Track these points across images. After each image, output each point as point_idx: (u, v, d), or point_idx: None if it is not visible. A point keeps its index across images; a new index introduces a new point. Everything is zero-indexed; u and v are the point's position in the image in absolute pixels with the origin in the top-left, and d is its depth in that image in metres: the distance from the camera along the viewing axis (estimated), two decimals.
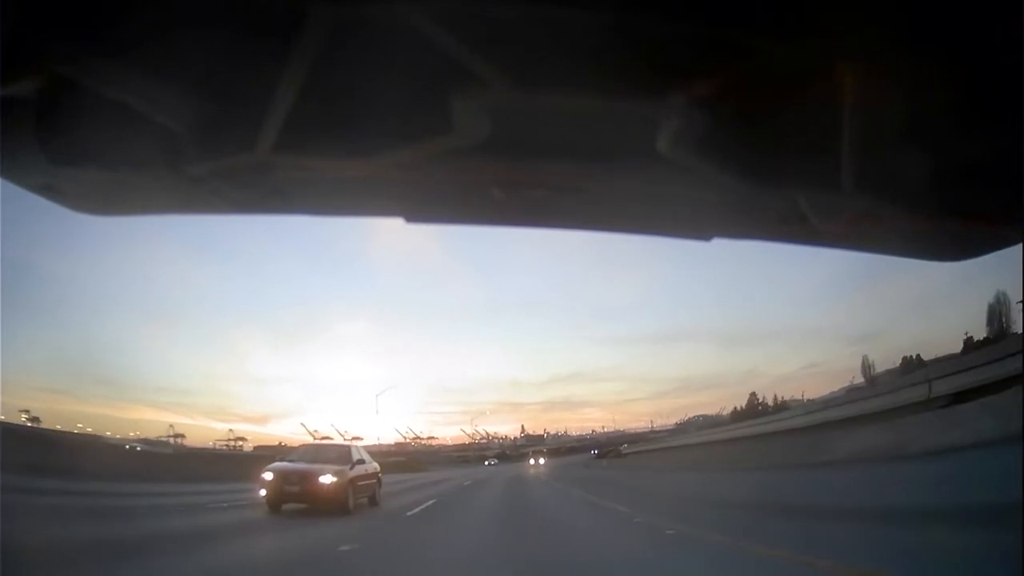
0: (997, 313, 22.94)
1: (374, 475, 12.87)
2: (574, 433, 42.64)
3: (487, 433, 42.04)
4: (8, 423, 20.85)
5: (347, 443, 14.56)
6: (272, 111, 1.31)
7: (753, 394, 34.43)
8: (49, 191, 1.56)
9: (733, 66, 1.24)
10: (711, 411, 36.23)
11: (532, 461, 39.22)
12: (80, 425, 29.47)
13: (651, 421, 40.04)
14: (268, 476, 10.79)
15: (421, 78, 1.27)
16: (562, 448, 41.08)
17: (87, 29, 1.19)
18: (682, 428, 36.24)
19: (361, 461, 12.26)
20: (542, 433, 42.60)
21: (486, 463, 39.13)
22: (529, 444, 41.69)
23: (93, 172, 1.47)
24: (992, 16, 1.11)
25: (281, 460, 12.23)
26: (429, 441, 41.25)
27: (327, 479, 10.68)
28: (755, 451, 20.67)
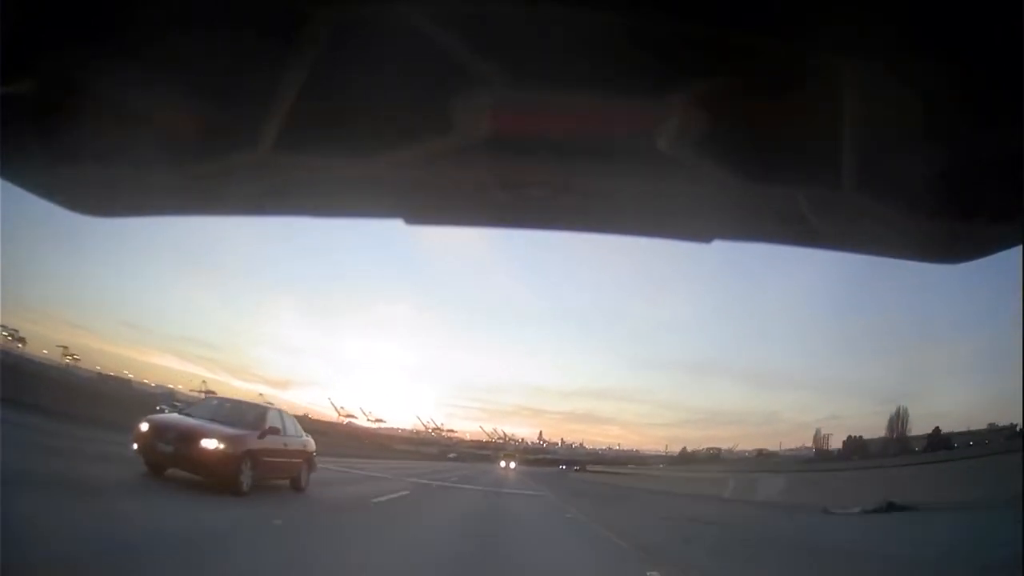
0: (896, 423, 27.31)
1: (301, 453, 10.30)
2: (588, 447, 43.01)
3: (504, 434, 42.26)
4: (35, 359, 20.43)
5: (265, 405, 10.96)
6: (273, 111, 1.31)
7: (684, 448, 38.55)
8: (49, 191, 1.56)
9: (733, 66, 1.24)
10: (725, 446, 37.12)
11: (503, 464, 39.56)
12: (126, 372, 28.37)
13: (666, 446, 40.50)
14: (143, 427, 8.44)
15: (421, 78, 1.27)
16: (571, 459, 41.79)
17: (87, 29, 1.19)
18: (687, 458, 37.79)
19: (278, 431, 9.68)
20: (557, 442, 42.93)
21: (449, 456, 39.68)
22: (542, 451, 42.18)
23: (93, 172, 1.47)
24: (992, 15, 1.11)
25: (177, 410, 10.00)
26: (449, 434, 41.35)
27: (210, 444, 8.23)
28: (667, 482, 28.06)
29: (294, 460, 10.09)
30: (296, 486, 10.23)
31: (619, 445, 42.51)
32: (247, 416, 9.74)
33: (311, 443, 10.89)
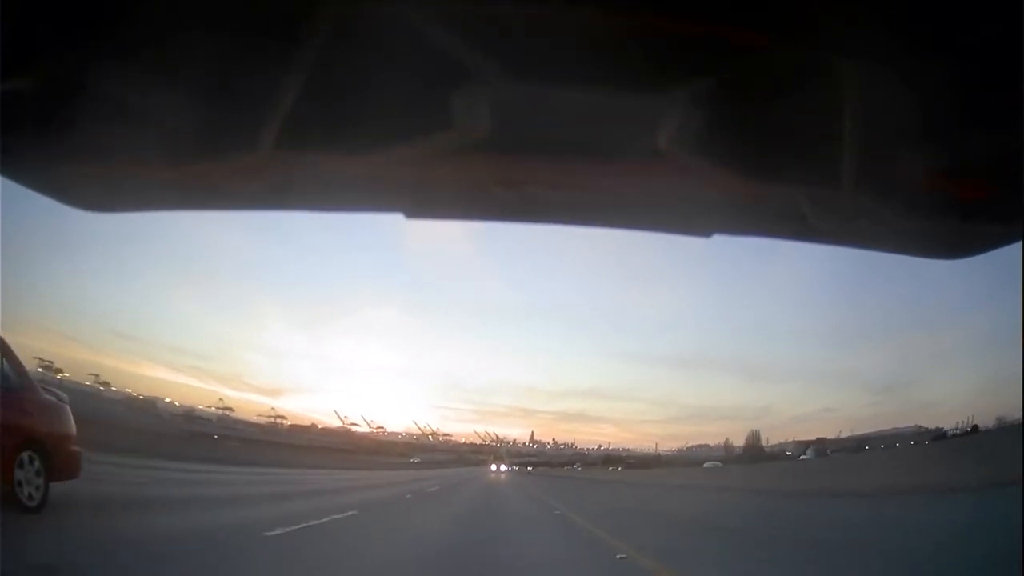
0: (754, 437, 32.88)
1: (9, 428, 5.14)
2: (578, 447, 43.63)
3: (497, 436, 42.92)
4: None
5: None
6: (274, 108, 1.32)
7: (607, 452, 42.07)
8: (49, 188, 1.56)
9: (733, 64, 1.24)
10: (714, 442, 38.04)
11: (494, 467, 40.04)
12: (168, 399, 29.25)
13: (656, 444, 41.08)
14: None
15: (422, 75, 1.28)
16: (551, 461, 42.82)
17: (88, 27, 1.19)
18: (682, 456, 39.52)
19: None
20: (548, 442, 43.51)
21: (411, 459, 39.95)
22: (532, 454, 43.03)
23: (94, 169, 1.48)
24: (992, 16, 1.10)
25: None
26: (444, 438, 41.83)
27: None
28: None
29: None
30: (8, 496, 5.06)
31: (609, 444, 43.03)
32: None
33: (55, 414, 5.65)
